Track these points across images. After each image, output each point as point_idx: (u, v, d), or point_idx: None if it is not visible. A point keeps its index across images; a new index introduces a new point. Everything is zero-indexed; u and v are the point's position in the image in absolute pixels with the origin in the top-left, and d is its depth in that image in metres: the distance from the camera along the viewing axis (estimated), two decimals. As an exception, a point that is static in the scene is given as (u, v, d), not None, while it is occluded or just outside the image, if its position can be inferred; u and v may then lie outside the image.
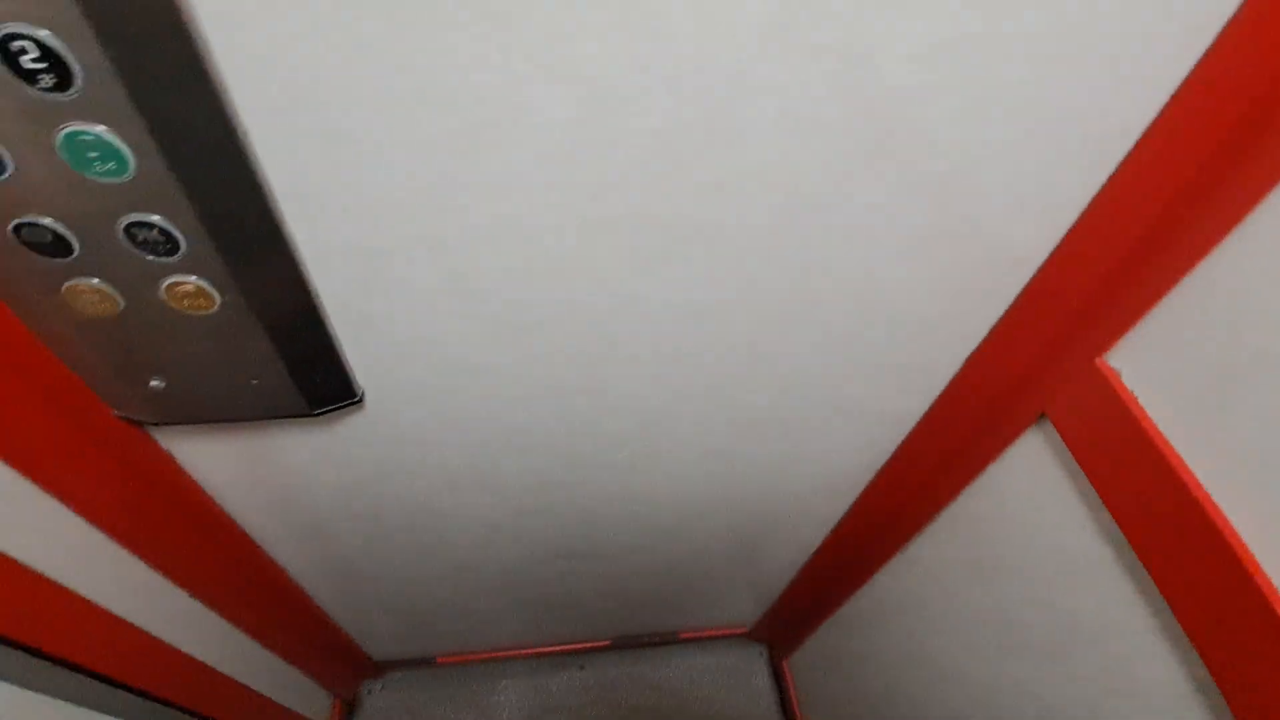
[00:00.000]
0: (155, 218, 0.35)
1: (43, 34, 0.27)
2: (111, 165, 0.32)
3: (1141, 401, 0.44)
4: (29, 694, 0.49)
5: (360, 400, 0.52)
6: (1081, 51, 0.35)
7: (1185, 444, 0.41)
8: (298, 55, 0.31)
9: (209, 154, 0.33)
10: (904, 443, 0.69)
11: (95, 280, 0.38)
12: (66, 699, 0.52)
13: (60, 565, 0.51)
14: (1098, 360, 0.46)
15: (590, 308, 0.48)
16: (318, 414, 0.50)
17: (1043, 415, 0.52)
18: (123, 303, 0.39)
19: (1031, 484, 0.56)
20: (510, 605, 1.01)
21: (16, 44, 0.27)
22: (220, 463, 0.59)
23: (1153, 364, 0.43)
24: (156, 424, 0.51)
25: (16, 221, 0.34)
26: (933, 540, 0.73)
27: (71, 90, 0.29)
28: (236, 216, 0.36)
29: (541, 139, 0.36)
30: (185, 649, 0.68)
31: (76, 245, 0.35)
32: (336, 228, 0.39)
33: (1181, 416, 0.42)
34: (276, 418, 0.51)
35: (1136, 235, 0.41)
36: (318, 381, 0.48)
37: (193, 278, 0.38)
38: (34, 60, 0.27)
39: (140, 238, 0.35)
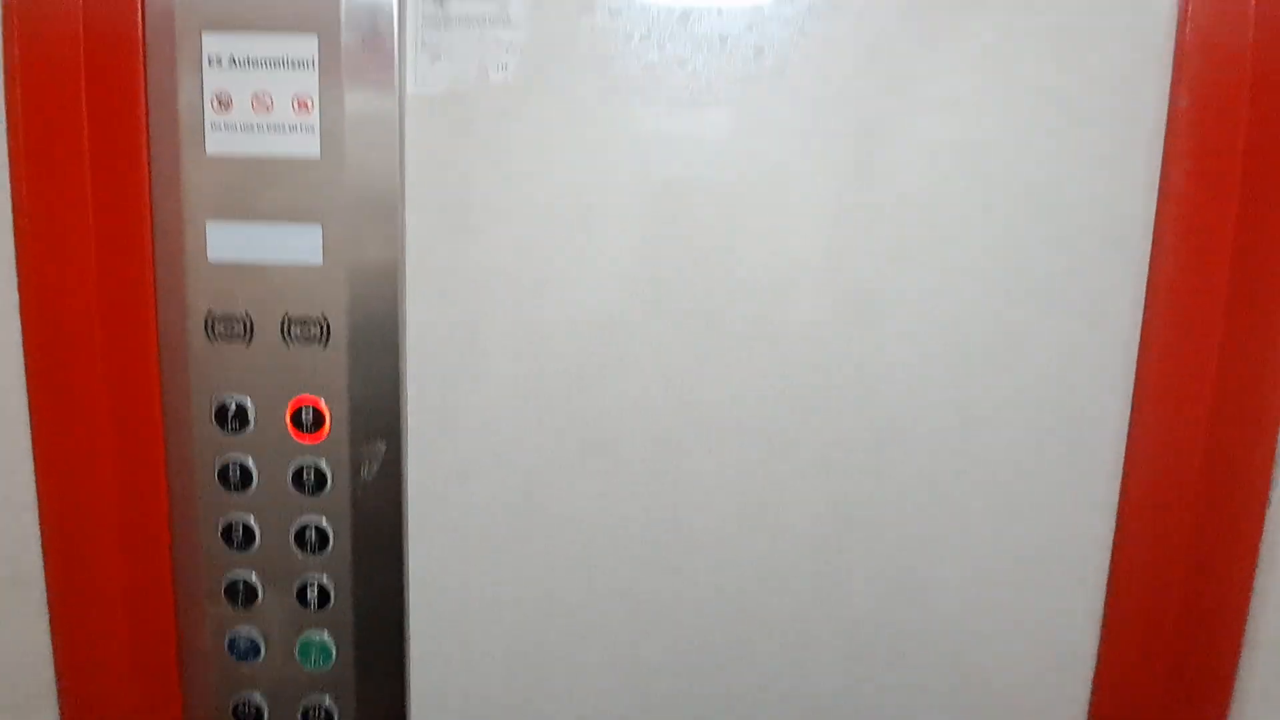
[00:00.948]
0: (326, 698, 0.49)
1: (327, 581, 0.47)
2: (320, 661, 0.48)
3: None
4: None
5: None
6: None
7: None
8: (455, 575, 0.50)
9: (383, 653, 0.49)
10: None
11: (260, 743, 0.50)
12: None
13: None
14: None
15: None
16: None
17: None
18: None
19: None
20: None
21: (308, 587, 0.47)
22: None
23: None
24: None
25: (239, 698, 0.49)
26: None
27: (326, 610, 0.48)
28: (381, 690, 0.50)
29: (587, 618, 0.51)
30: None
31: (266, 714, 0.49)
32: (444, 684, 0.52)
33: None
34: None
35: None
36: None
37: (328, 748, 0.50)
38: (315, 596, 0.47)
39: (310, 712, 0.49)
